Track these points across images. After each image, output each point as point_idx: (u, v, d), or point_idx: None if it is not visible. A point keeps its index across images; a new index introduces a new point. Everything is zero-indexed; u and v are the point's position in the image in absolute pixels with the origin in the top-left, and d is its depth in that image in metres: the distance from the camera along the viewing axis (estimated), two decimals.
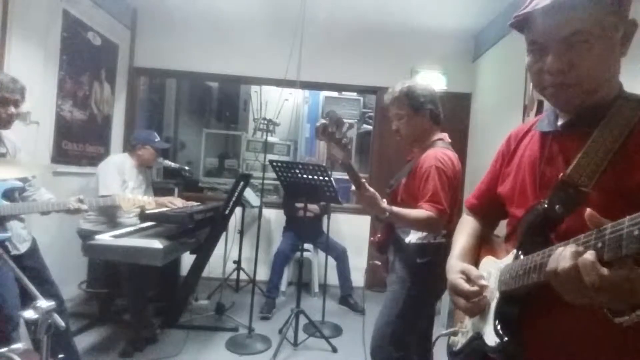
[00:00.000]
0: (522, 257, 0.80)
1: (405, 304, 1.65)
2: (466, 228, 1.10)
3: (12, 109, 1.80)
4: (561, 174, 0.77)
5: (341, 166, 1.42)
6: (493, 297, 0.85)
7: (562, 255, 0.61)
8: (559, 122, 0.85)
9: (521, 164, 0.92)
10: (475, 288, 0.86)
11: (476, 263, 1.01)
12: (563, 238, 0.76)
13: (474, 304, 0.86)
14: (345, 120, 1.37)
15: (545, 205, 0.77)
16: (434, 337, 1.10)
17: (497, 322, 0.80)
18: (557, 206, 0.75)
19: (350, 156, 1.48)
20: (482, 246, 1.06)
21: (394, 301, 1.68)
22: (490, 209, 1.07)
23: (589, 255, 0.57)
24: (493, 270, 0.90)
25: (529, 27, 0.80)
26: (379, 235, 1.83)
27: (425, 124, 1.74)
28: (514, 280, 0.77)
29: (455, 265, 0.96)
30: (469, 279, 0.89)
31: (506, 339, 0.77)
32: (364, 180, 1.44)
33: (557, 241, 0.77)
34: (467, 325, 0.95)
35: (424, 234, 1.65)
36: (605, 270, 0.55)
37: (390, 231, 1.78)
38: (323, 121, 1.34)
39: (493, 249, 1.00)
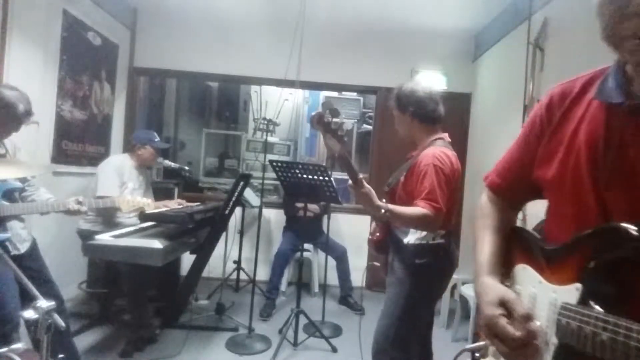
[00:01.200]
0: (595, 306, 0.59)
1: (405, 305, 1.64)
2: (490, 221, 0.88)
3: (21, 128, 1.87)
4: None
5: (337, 159, 1.41)
6: (548, 342, 0.65)
7: None
8: (634, 88, 0.64)
9: (574, 143, 0.71)
10: (521, 334, 0.65)
11: (505, 262, 0.83)
12: None
13: (518, 354, 0.66)
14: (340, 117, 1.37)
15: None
16: (458, 350, 0.95)
17: None
18: None
19: (349, 150, 1.48)
20: (512, 242, 0.85)
21: (393, 303, 1.68)
22: (518, 190, 0.86)
23: None
24: (539, 294, 0.70)
25: None
26: (377, 234, 1.83)
27: (414, 124, 1.75)
28: (592, 345, 0.56)
29: (492, 289, 0.75)
30: (510, 314, 0.69)
31: None
32: (361, 176, 1.44)
33: None
34: None
35: (423, 234, 1.64)
36: None
37: (387, 230, 1.78)
38: (319, 110, 1.34)
39: (530, 255, 0.77)
